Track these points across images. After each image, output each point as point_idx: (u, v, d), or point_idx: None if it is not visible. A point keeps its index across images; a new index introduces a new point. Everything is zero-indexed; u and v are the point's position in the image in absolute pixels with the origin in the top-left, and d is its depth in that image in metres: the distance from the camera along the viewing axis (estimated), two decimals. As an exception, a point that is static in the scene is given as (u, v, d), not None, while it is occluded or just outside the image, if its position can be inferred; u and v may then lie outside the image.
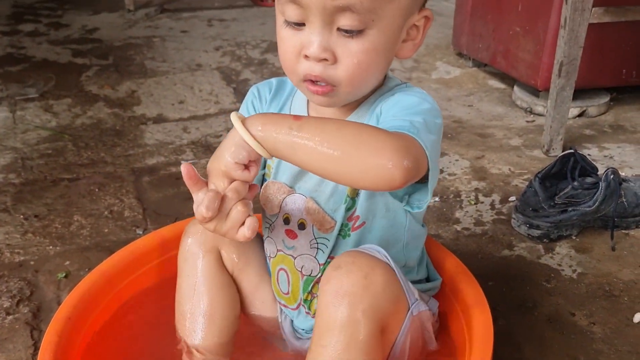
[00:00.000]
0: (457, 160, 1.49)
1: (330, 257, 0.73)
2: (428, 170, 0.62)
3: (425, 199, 0.69)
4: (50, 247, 1.16)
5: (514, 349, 0.89)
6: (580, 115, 1.75)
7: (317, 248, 0.74)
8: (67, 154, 1.55)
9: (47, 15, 2.86)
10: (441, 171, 1.44)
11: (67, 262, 1.12)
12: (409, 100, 0.67)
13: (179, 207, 1.29)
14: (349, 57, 0.62)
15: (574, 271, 1.07)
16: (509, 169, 1.44)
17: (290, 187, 0.75)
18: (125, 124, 1.73)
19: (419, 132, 0.61)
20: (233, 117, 0.59)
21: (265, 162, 0.78)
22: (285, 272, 0.77)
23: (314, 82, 0.64)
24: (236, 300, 0.80)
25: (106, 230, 1.22)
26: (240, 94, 1.95)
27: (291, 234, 0.75)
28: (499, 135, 1.65)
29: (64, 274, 1.08)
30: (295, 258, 0.75)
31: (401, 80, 0.74)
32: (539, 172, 1.20)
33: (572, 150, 1.19)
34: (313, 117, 0.63)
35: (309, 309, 0.77)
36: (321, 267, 0.74)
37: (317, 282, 0.74)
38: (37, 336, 0.94)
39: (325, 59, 0.62)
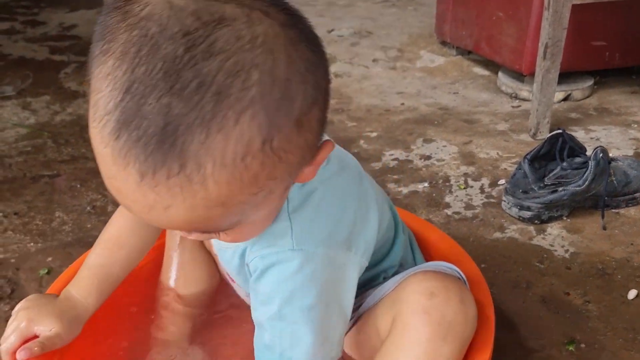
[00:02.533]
0: (444, 146, 1.48)
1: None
2: None
3: None
4: (32, 244, 1.13)
5: (510, 330, 0.88)
6: (565, 99, 1.75)
7: None
8: (47, 150, 1.51)
9: (23, 14, 2.79)
10: (429, 157, 1.43)
11: (49, 259, 1.08)
12: (268, 284, 0.56)
13: (164, 201, 1.26)
14: (220, 237, 0.52)
15: (567, 251, 1.06)
16: (497, 153, 1.43)
17: (215, 254, 0.75)
18: (106, 120, 1.69)
19: (282, 356, 0.55)
20: None
21: None
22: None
23: None
24: (214, 273, 0.80)
25: (89, 226, 1.19)
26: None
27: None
28: (485, 120, 1.64)
29: (46, 271, 1.04)
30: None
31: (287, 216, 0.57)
32: (527, 154, 1.19)
33: (560, 131, 1.18)
34: None
35: None
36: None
37: None
38: (19, 334, 0.91)
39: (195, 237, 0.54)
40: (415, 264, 0.75)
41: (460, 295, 0.58)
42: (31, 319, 0.65)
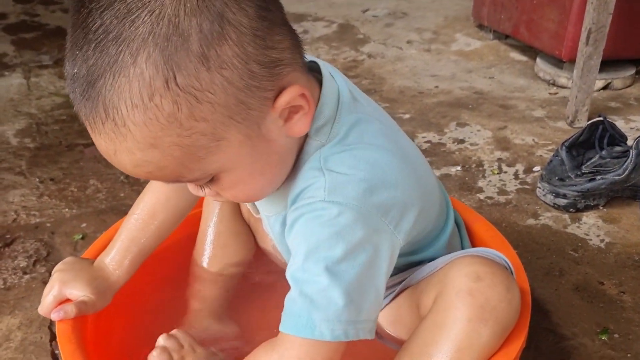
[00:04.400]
0: (479, 130, 1.46)
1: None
2: None
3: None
4: (67, 209, 1.15)
5: (542, 316, 0.86)
6: (604, 87, 1.70)
7: None
8: (82, 120, 1.53)
9: (60, -15, 2.82)
10: (462, 141, 1.41)
11: (84, 225, 1.10)
12: (302, 226, 0.54)
13: (196, 173, 1.27)
14: (223, 193, 0.55)
15: (602, 241, 1.04)
16: (533, 140, 1.41)
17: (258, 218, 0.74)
18: (140, 92, 1.71)
19: (312, 312, 0.51)
20: None
21: None
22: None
23: None
24: (249, 245, 0.82)
25: (122, 195, 1.20)
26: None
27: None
28: (521, 106, 1.60)
29: (80, 236, 1.06)
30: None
31: (325, 136, 0.56)
32: (565, 141, 1.16)
33: (601, 118, 1.15)
34: None
35: None
36: None
37: None
38: (55, 296, 0.93)
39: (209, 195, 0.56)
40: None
41: (506, 282, 0.57)
42: (66, 282, 0.67)
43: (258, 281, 0.82)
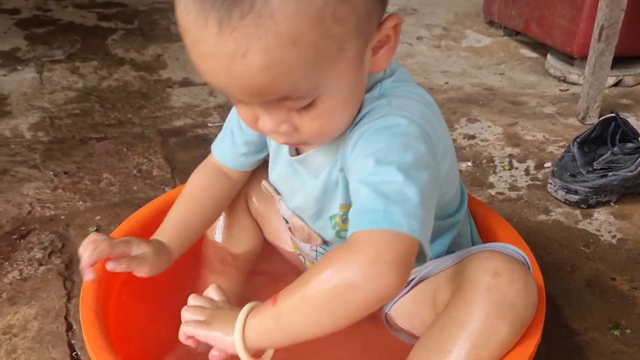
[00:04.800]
0: (489, 126, 1.46)
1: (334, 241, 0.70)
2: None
3: (421, 255, 0.55)
4: (80, 202, 1.16)
5: (554, 311, 0.87)
6: (616, 84, 1.70)
7: (316, 251, 0.73)
8: (95, 114, 1.54)
9: (71, -19, 2.83)
10: (473, 137, 1.41)
11: (98, 217, 1.11)
12: (370, 135, 0.55)
13: (208, 167, 1.28)
14: (307, 125, 0.55)
15: (614, 237, 1.04)
16: (544, 136, 1.41)
17: (280, 195, 0.73)
18: (151, 87, 1.72)
19: (388, 206, 0.50)
20: (237, 327, 0.55)
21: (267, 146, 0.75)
22: (303, 257, 0.77)
23: None
24: (257, 239, 0.83)
25: (135, 188, 1.22)
26: (266, 60, 1.92)
27: (292, 234, 0.75)
28: (532, 103, 1.60)
29: (94, 228, 1.08)
30: (299, 244, 0.75)
31: (382, 71, 0.60)
32: (577, 137, 1.16)
33: (613, 114, 1.15)
34: (284, 293, 0.54)
35: None
36: (321, 246, 0.72)
37: None
38: (70, 286, 0.94)
39: (284, 132, 0.55)
40: (473, 243, 0.75)
41: (524, 278, 0.57)
42: (127, 240, 0.68)
43: (266, 276, 0.83)
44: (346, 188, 0.61)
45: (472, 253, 0.61)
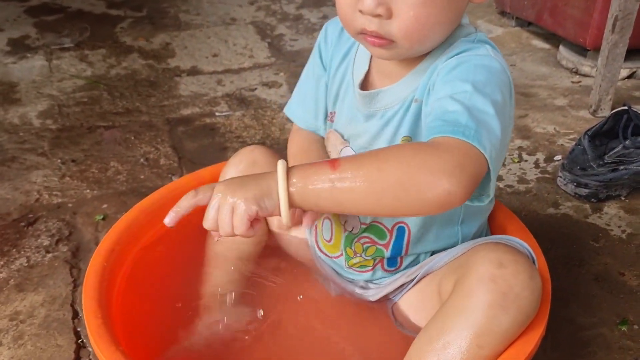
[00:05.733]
0: (499, 118, 1.44)
1: (375, 221, 0.69)
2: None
3: (486, 191, 0.59)
4: (88, 190, 1.17)
5: (561, 305, 0.86)
6: (629, 76, 1.67)
7: None
8: (103, 102, 1.54)
9: (81, -32, 2.83)
10: (483, 129, 1.39)
11: (105, 206, 1.11)
12: (470, 66, 0.59)
13: (214, 157, 1.28)
14: (405, 11, 0.56)
15: (624, 232, 1.03)
16: (554, 129, 1.39)
17: (345, 140, 0.72)
18: (159, 76, 1.72)
19: (479, 127, 0.53)
20: (280, 165, 0.54)
21: (326, 107, 0.77)
22: (330, 221, 0.75)
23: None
24: (261, 233, 0.81)
25: (142, 177, 1.22)
26: (274, 49, 1.92)
27: None
28: (543, 95, 1.58)
29: (101, 217, 1.08)
30: None
31: (474, 28, 0.65)
32: (588, 130, 1.14)
33: (625, 107, 1.13)
34: (349, 160, 0.54)
35: (348, 264, 0.74)
36: (362, 226, 0.70)
37: (358, 240, 0.71)
38: (77, 274, 0.94)
39: (380, 14, 0.57)
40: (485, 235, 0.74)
41: (529, 271, 0.57)
42: None
43: (270, 272, 0.83)
44: (415, 119, 0.64)
45: (477, 244, 0.61)
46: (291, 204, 0.54)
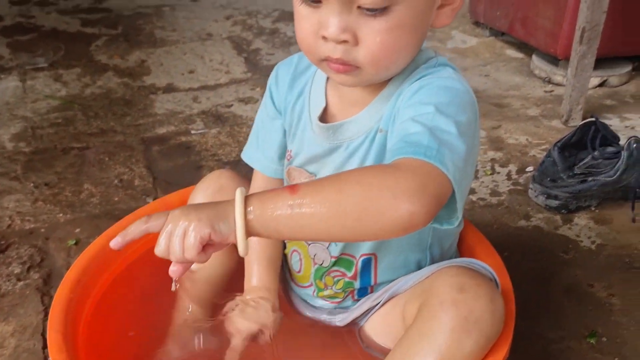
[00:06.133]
0: (472, 130, 1.46)
1: (343, 253, 0.69)
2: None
3: (454, 213, 0.58)
4: (61, 214, 1.16)
5: (530, 320, 0.87)
6: (600, 85, 1.70)
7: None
8: (77, 123, 1.54)
9: (57, -15, 2.82)
10: (456, 141, 1.41)
11: (77, 230, 1.11)
12: (433, 88, 0.59)
13: (189, 177, 1.28)
14: (371, 37, 0.56)
15: (593, 242, 1.04)
16: (527, 139, 1.41)
17: (311, 174, 0.71)
18: (135, 94, 1.71)
19: (440, 147, 0.53)
20: (238, 191, 0.53)
21: (286, 146, 0.75)
22: (299, 254, 0.75)
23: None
24: (229, 257, 0.80)
25: (116, 199, 1.21)
26: (251, 64, 1.92)
27: None
28: (516, 105, 1.60)
29: (74, 241, 1.07)
30: (309, 245, 0.72)
31: (434, 52, 0.66)
32: (557, 142, 1.16)
33: (593, 119, 1.15)
34: (309, 184, 0.53)
35: (317, 295, 0.74)
36: (332, 259, 0.70)
37: (328, 274, 0.71)
38: (48, 302, 0.94)
39: (346, 41, 0.56)
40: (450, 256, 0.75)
41: (490, 294, 0.57)
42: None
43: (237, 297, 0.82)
44: (381, 150, 0.63)
45: (440, 268, 0.62)
46: (250, 232, 0.53)
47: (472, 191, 1.20)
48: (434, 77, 0.61)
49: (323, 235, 0.54)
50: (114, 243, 0.56)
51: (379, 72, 0.60)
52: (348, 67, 0.58)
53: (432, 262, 0.70)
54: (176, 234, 0.53)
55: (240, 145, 1.41)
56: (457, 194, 0.54)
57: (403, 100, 0.61)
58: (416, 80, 0.61)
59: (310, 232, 0.53)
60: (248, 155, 0.79)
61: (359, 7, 0.55)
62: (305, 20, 0.58)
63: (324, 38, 0.57)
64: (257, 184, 0.78)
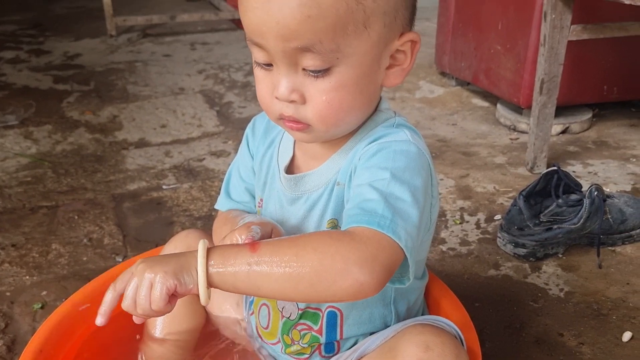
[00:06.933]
0: (441, 179, 1.49)
1: (309, 306, 0.70)
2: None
3: (406, 275, 0.60)
4: (27, 277, 1.13)
5: (502, 373, 0.87)
6: (563, 132, 1.76)
7: None
8: (47, 181, 1.52)
9: (29, 42, 2.84)
10: (426, 191, 1.43)
11: (44, 292, 1.08)
12: (390, 152, 0.61)
13: (160, 233, 1.27)
14: (317, 97, 0.59)
15: (561, 290, 1.06)
16: (494, 187, 1.44)
17: (278, 223, 0.72)
18: (106, 150, 1.71)
19: (394, 216, 0.56)
20: (201, 244, 0.56)
21: (255, 195, 0.78)
22: (267, 308, 0.75)
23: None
24: (199, 313, 0.81)
25: (85, 259, 1.19)
26: (223, 117, 1.94)
27: None
28: (483, 153, 1.64)
29: (40, 305, 1.05)
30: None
31: (394, 112, 0.68)
32: (523, 190, 1.19)
33: (555, 168, 1.18)
34: (269, 244, 0.56)
35: (285, 352, 0.73)
36: (299, 312, 0.71)
37: (295, 327, 0.72)
38: (10, 372, 0.91)
39: (294, 101, 0.60)
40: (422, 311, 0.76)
41: (455, 352, 0.58)
42: None
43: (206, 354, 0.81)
44: (339, 202, 0.65)
45: (406, 327, 0.62)
46: (210, 284, 0.55)
47: (442, 241, 1.22)
48: (392, 139, 0.63)
49: (278, 295, 0.57)
50: (99, 322, 0.59)
51: (328, 130, 0.63)
52: (300, 124, 0.62)
53: (398, 316, 0.71)
54: (143, 287, 0.55)
55: (212, 199, 1.41)
56: (409, 260, 0.57)
57: (361, 159, 0.63)
58: (374, 141, 0.63)
59: (266, 291, 0.55)
60: (221, 205, 0.81)
61: (303, 69, 0.58)
62: (262, 82, 0.62)
63: (277, 98, 0.61)
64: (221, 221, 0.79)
